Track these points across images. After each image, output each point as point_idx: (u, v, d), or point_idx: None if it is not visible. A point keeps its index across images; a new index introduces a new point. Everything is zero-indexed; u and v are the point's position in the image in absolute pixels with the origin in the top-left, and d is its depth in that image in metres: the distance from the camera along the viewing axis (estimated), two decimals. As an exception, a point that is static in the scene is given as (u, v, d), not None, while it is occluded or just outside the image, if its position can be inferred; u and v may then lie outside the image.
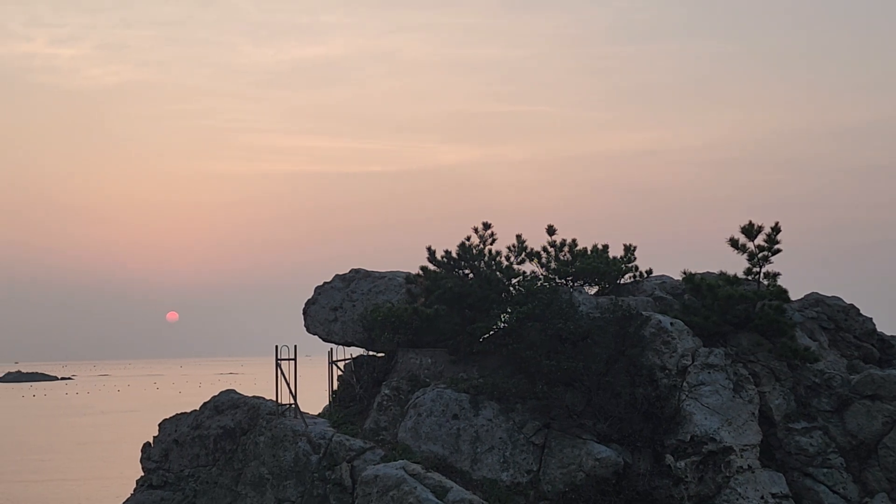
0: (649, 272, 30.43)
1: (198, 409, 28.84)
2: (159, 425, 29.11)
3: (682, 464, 24.41)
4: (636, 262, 30.51)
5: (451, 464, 24.83)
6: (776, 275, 27.45)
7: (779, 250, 27.37)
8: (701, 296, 27.34)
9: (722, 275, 27.65)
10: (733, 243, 27.55)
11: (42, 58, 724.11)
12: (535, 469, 24.64)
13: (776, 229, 27.25)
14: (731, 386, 25.49)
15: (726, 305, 26.74)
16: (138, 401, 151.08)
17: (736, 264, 27.72)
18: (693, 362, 25.89)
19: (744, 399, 25.39)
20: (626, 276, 30.22)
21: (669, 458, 24.52)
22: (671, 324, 26.34)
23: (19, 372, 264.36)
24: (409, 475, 23.37)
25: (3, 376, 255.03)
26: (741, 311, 26.80)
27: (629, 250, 30.66)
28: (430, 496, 22.78)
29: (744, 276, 27.60)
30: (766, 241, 27.29)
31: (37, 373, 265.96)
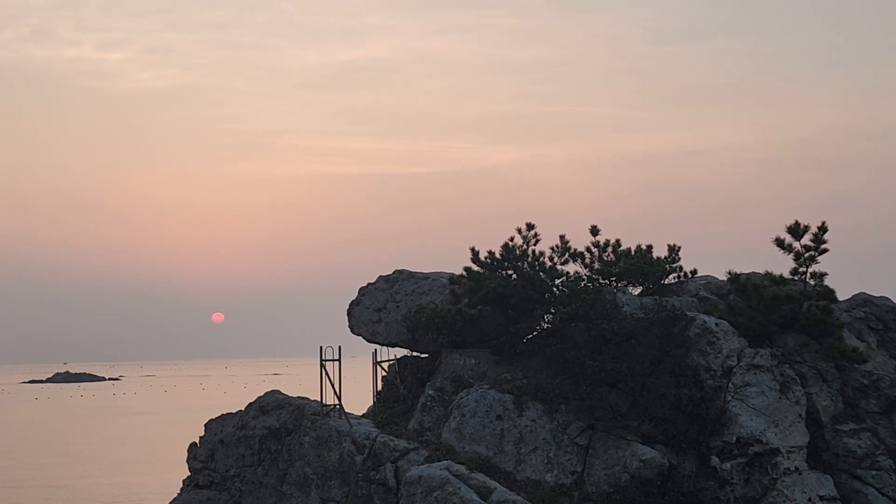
0: (694, 272, 30.23)
1: (243, 409, 29.05)
2: (205, 425, 29.35)
3: (728, 465, 24.24)
4: (680, 263, 30.34)
5: (495, 464, 24.83)
6: (823, 275, 27.19)
7: (826, 250, 27.11)
8: (746, 296, 27.13)
9: (767, 275, 27.42)
10: (779, 243, 27.31)
11: (89, 62, 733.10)
12: (579, 470, 24.57)
13: (823, 229, 26.98)
14: (778, 387, 25.27)
15: (772, 306, 26.51)
16: (184, 401, 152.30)
17: (782, 264, 27.52)
18: (738, 363, 25.70)
19: (790, 400, 25.15)
20: (671, 276, 30.05)
21: (715, 460, 24.36)
22: (716, 324, 26.16)
23: (67, 373, 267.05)
24: (454, 476, 23.40)
25: (52, 377, 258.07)
26: (787, 312, 26.56)
27: (673, 250, 30.47)
28: (475, 497, 22.79)
29: (790, 277, 27.36)
30: (812, 241, 27.03)
31: (85, 373, 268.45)
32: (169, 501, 28.60)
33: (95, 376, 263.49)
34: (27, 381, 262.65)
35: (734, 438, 24.51)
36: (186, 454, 29.27)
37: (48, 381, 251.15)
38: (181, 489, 28.73)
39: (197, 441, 29.29)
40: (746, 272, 28.18)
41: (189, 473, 28.98)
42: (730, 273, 27.93)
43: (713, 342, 25.87)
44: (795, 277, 27.38)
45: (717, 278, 29.66)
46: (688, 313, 26.63)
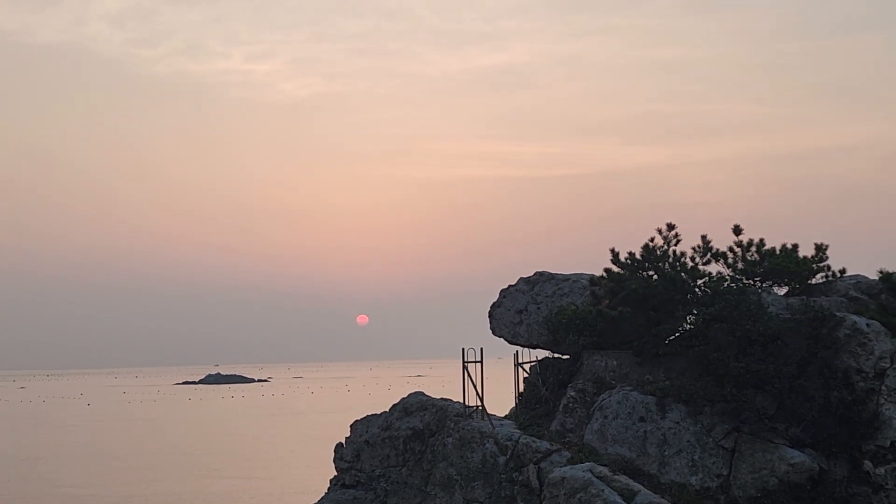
0: (842, 272, 29.37)
1: (387, 410, 29.49)
2: (351, 426, 29.87)
3: (882, 470, 23.58)
4: (828, 262, 29.51)
5: (638, 467, 24.68)
6: (982, 273, 26.16)
7: (984, 247, 26.07)
8: (899, 296, 26.31)
9: (922, 273, 26.54)
10: (934, 240, 26.40)
11: (239, 73, 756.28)
12: (724, 473, 24.21)
13: (981, 225, 25.97)
14: (934, 389, 24.42)
15: (927, 305, 25.63)
16: (331, 402, 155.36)
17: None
18: (892, 365, 24.92)
19: (948, 403, 24.26)
20: (818, 276, 29.27)
21: (868, 465, 23.73)
22: (867, 325, 25.41)
23: (219, 374, 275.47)
24: (597, 477, 23.37)
25: (204, 378, 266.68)
26: (944, 312, 25.63)
27: (820, 249, 29.65)
28: (618, 499, 22.71)
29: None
30: (969, 238, 26.05)
31: (235, 375, 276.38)
32: (318, 499, 29.26)
33: (245, 378, 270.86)
34: (181, 382, 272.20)
35: (888, 442, 23.81)
36: (333, 454, 29.88)
37: (200, 382, 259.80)
38: (329, 488, 29.34)
39: (343, 441, 29.86)
40: (900, 271, 27.33)
41: (336, 473, 29.57)
42: (881, 272, 27.14)
43: (864, 343, 25.15)
44: (952, 276, 26.41)
45: (867, 277, 28.78)
46: (837, 314, 25.94)
